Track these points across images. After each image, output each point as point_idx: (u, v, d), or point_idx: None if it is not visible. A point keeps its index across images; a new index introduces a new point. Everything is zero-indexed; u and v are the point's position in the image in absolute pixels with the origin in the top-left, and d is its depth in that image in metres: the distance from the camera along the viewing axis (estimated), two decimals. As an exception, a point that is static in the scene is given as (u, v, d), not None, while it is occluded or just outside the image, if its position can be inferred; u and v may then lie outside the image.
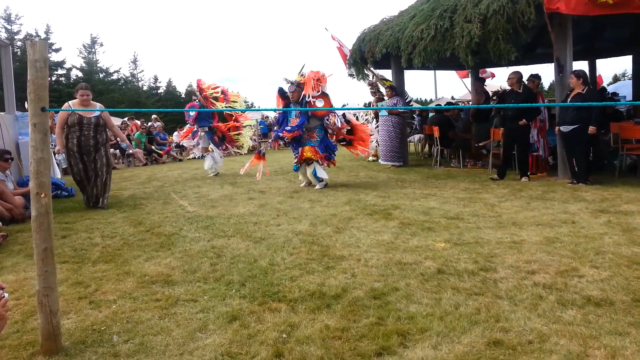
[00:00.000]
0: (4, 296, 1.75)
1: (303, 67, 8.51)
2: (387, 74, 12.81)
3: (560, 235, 4.61)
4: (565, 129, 7.60)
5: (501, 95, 9.95)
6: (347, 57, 12.81)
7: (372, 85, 12.87)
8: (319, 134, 8.35)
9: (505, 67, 11.62)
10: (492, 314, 2.92)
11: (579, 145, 7.51)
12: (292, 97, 8.35)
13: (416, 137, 14.20)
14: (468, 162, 10.79)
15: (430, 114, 13.47)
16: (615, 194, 6.54)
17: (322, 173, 8.28)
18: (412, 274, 3.70)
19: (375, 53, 10.69)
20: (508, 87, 9.19)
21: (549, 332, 2.67)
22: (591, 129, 7.34)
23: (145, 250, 4.73)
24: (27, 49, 2.71)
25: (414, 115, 14.92)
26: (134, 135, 16.50)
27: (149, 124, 18.17)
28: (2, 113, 9.14)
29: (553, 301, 3.08)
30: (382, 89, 13.08)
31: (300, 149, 8.33)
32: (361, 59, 11.74)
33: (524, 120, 8.12)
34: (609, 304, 3.00)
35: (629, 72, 17.04)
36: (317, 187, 8.24)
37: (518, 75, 8.49)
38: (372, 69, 12.69)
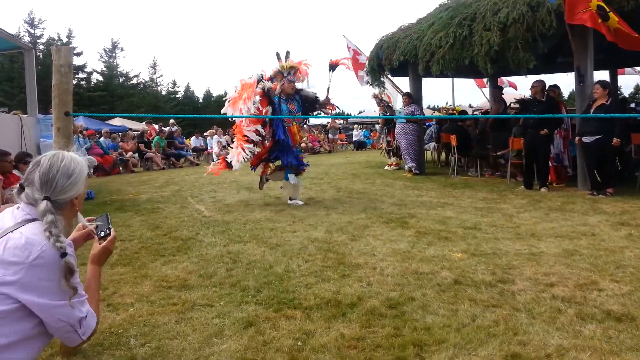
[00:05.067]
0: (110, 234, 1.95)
1: (288, 54, 7.51)
2: (405, 81, 12.82)
3: (579, 248, 4.54)
4: (587, 139, 7.50)
5: (524, 103, 9.81)
6: (364, 66, 12.84)
7: (376, 97, 12.97)
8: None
9: (525, 76, 11.53)
10: (509, 327, 2.89)
11: (601, 156, 7.40)
12: (292, 89, 7.28)
13: (432, 145, 14.14)
14: (486, 171, 10.70)
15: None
16: (636, 207, 6.42)
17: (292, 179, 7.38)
18: (429, 284, 3.67)
19: (392, 60, 10.68)
20: (529, 96, 9.09)
21: (569, 346, 2.63)
22: (615, 140, 7.23)
23: (163, 254, 4.77)
24: (53, 54, 2.77)
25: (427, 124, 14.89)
26: (152, 139, 16.71)
27: (167, 128, 18.36)
28: (24, 116, 9.32)
29: (572, 315, 3.04)
30: (390, 97, 13.14)
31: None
32: (378, 66, 11.74)
33: (545, 130, 8.03)
34: (630, 319, 2.94)
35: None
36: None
37: (542, 84, 8.41)
38: (389, 76, 12.71)
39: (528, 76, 10.98)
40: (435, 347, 2.67)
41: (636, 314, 3.01)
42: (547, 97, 8.37)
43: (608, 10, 6.68)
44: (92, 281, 1.80)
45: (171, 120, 19.96)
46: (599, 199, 7.10)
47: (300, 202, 7.44)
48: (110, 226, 1.93)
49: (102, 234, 1.90)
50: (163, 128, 18.17)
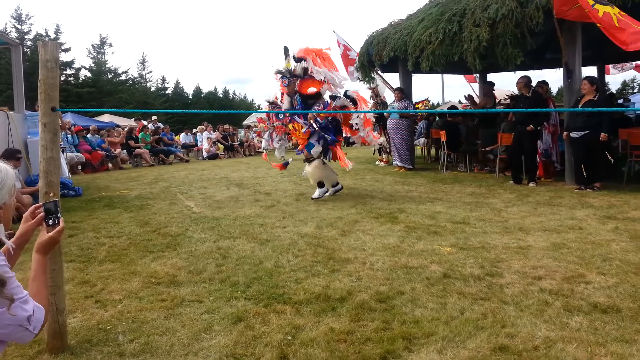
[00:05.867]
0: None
1: (287, 51, 7.28)
2: (395, 77, 12.83)
3: (567, 241, 4.59)
4: (575, 134, 7.56)
5: (515, 99, 9.87)
6: (355, 62, 12.83)
7: (372, 90, 12.96)
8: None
9: (513, 72, 11.59)
10: (497, 319, 2.91)
11: (589, 151, 7.46)
12: (288, 90, 7.13)
13: (421, 140, 14.19)
14: (475, 166, 10.76)
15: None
16: (623, 201, 6.49)
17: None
18: (418, 278, 3.69)
19: (383, 56, 10.68)
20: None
21: (555, 338, 2.66)
22: (603, 135, 7.29)
23: (152, 250, 4.75)
24: (39, 49, 2.73)
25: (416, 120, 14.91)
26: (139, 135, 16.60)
27: (151, 124, 18.20)
28: (11, 112, 9.21)
29: (559, 307, 3.07)
30: (383, 93, 13.13)
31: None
32: (368, 62, 11.74)
33: (531, 126, 8.10)
34: (616, 311, 2.98)
35: (638, 78, 16.97)
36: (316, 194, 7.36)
37: (526, 79, 8.46)
38: (379, 72, 12.72)
39: (517, 72, 11.04)
40: (424, 340, 2.68)
41: (622, 306, 3.05)
42: (532, 92, 8.41)
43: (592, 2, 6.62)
44: (38, 271, 1.78)
45: (153, 117, 19.77)
46: (587, 193, 7.17)
47: (315, 195, 7.36)
48: (59, 215, 1.89)
49: (50, 222, 1.86)
50: (149, 124, 18.06)
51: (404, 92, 11.42)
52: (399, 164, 11.16)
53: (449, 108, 18.23)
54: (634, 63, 16.62)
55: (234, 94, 62.93)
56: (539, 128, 8.46)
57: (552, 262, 3.98)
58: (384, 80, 13.41)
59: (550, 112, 8.84)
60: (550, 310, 3.02)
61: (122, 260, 4.44)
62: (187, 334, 2.87)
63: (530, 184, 8.12)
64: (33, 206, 1.94)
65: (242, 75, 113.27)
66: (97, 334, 2.92)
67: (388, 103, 13.28)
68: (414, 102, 13.57)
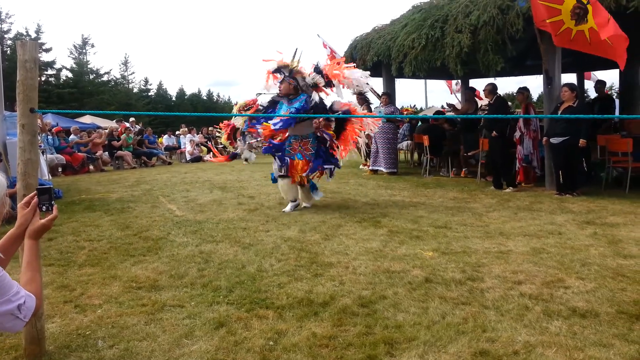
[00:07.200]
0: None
1: (296, 52, 6.77)
2: (378, 82, 12.90)
3: (546, 246, 4.65)
4: (555, 140, 7.67)
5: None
6: None
7: (360, 94, 12.97)
8: (312, 145, 6.66)
9: (494, 78, 11.73)
10: (478, 324, 2.94)
11: (568, 157, 7.58)
12: (282, 90, 6.61)
13: (404, 143, 14.24)
14: (454, 170, 10.85)
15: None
16: (601, 206, 6.61)
17: (318, 194, 7.11)
18: (400, 283, 3.71)
19: (366, 61, 10.75)
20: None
21: (535, 342, 2.69)
22: (582, 142, 7.42)
23: (132, 254, 4.69)
24: (18, 49, 2.69)
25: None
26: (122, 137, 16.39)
27: (128, 125, 17.96)
28: (-11, 113, 9.04)
29: (539, 312, 3.11)
30: (372, 97, 13.17)
31: (288, 160, 6.62)
32: (352, 66, 11.78)
33: (494, 132, 8.30)
34: (594, 316, 3.03)
35: (616, 85, 17.25)
36: (306, 205, 7.04)
37: (490, 86, 8.71)
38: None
39: (496, 78, 11.18)
40: (405, 345, 2.69)
41: (600, 310, 3.10)
42: (495, 99, 8.69)
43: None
44: (31, 257, 1.80)
45: (131, 119, 19.55)
46: (566, 199, 7.28)
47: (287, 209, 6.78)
48: (53, 202, 1.89)
49: (44, 208, 1.86)
50: (130, 127, 17.87)
51: (390, 96, 11.49)
52: (383, 169, 11.17)
53: (434, 112, 18.39)
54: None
55: (218, 96, 62.79)
56: (515, 134, 8.64)
57: (532, 267, 4.03)
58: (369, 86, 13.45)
59: (531, 118, 8.97)
60: (530, 315, 3.06)
61: (102, 264, 4.38)
62: (167, 339, 2.84)
63: (510, 189, 8.22)
64: (28, 195, 1.93)
65: (227, 77, 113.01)
66: (76, 339, 2.87)
67: (372, 108, 13.32)
68: (399, 108, 13.68)
